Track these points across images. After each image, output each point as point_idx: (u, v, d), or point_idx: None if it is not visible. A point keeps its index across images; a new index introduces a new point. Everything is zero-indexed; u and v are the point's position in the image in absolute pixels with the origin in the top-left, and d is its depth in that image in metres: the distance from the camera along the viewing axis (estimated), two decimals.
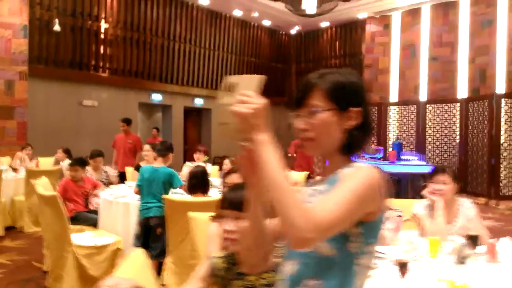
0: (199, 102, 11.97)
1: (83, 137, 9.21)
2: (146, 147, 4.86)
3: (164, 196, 3.13)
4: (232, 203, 1.35)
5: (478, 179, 7.68)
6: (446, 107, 8.90)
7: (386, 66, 11.99)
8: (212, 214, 2.12)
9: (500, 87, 9.68)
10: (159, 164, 3.55)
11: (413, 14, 11.40)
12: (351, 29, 12.84)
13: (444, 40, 10.82)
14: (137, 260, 1.48)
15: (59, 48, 9.08)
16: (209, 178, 3.37)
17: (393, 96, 11.73)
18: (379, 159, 7.00)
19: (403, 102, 10.00)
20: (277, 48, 14.08)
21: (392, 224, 2.10)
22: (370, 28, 12.19)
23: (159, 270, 3.44)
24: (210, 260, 1.40)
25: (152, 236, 3.47)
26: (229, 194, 1.43)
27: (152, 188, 3.43)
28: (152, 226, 3.46)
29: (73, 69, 9.35)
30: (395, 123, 9.58)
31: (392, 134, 9.52)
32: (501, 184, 7.38)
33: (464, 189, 8.05)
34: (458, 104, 8.60)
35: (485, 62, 10.04)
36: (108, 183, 4.75)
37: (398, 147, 7.74)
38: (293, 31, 13.79)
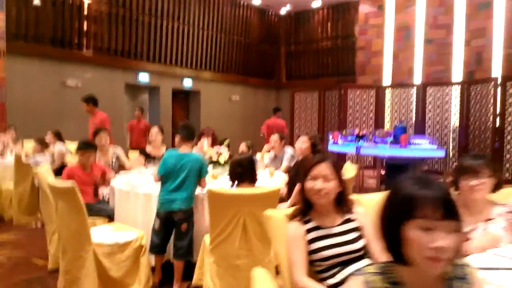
0: (187, 83, 11.43)
1: (66, 120, 8.57)
2: (154, 129, 4.43)
3: (210, 188, 2.71)
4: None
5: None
6: (447, 90, 8.77)
7: (380, 48, 11.76)
8: (289, 211, 1.80)
9: (496, 71, 9.66)
10: (186, 149, 3.15)
11: None
12: (343, 10, 12.51)
13: (440, 22, 10.65)
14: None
15: (39, 24, 8.34)
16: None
17: (386, 79, 11.56)
18: (390, 142, 6.79)
19: (400, 84, 9.81)
20: (267, 29, 13.62)
21: (504, 222, 1.81)
22: (363, 9, 11.89)
23: (186, 270, 3.09)
24: (363, 276, 1.06)
25: (177, 232, 3.08)
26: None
27: (178, 177, 3.03)
28: (176, 221, 3.06)
29: (55, 47, 8.63)
30: (392, 106, 9.40)
31: (390, 117, 9.35)
32: (505, 168, 7.34)
33: None
34: (459, 87, 8.47)
35: (481, 45, 9.96)
36: (118, 169, 4.29)
37: (401, 130, 7.55)
38: (283, 12, 13.32)
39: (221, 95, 12.34)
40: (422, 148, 6.37)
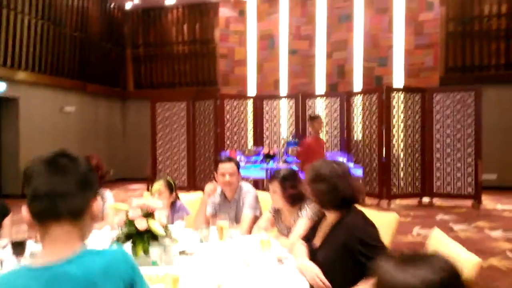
0: None
1: None
2: None
3: None
4: None
5: (367, 179, 7.24)
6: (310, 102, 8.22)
7: (243, 57, 10.85)
8: None
9: (358, 84, 9.81)
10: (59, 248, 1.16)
11: (270, 1, 10.58)
12: (201, 12, 11.16)
13: (303, 32, 10.37)
14: None
15: None
16: None
17: (251, 90, 10.70)
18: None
19: (271, 96, 8.95)
20: (109, 25, 11.17)
21: None
22: (223, 12, 10.81)
23: None
24: None
25: None
26: None
27: None
28: None
29: None
30: (277, 118, 8.40)
31: (269, 131, 8.34)
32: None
33: None
34: (339, 99, 8.04)
35: (343, 57, 10.01)
36: None
37: (292, 145, 6.58)
38: (129, 6, 11.15)
39: (50, 104, 9.35)
40: None
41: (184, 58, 11.29)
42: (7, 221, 2.40)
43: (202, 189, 2.84)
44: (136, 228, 1.85)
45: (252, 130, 8.29)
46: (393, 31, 9.66)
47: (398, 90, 7.45)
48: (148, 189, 7.87)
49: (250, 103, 8.37)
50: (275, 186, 2.36)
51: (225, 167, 2.79)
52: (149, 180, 8.56)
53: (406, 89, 7.58)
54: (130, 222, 1.89)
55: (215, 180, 2.85)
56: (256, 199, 2.78)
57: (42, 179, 1.01)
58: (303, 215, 2.26)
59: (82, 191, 1.05)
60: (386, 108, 7.08)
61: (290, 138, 6.91)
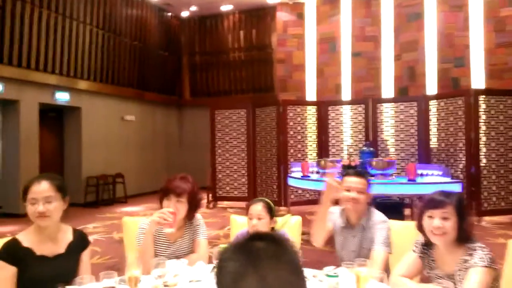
0: (61, 97, 8.19)
1: None
2: None
3: None
4: None
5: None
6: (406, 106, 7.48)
7: (301, 61, 10.35)
8: None
9: (432, 87, 8.97)
10: None
11: (330, 3, 10.03)
12: (258, 17, 10.83)
13: (367, 34, 9.70)
14: None
15: None
16: None
17: (310, 96, 10.15)
18: (392, 175, 4.97)
19: (356, 101, 8.32)
20: (166, 34, 11.12)
21: None
22: (281, 16, 10.38)
23: None
24: None
25: None
26: None
27: None
28: None
29: None
30: (344, 125, 7.78)
31: (334, 139, 7.75)
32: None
33: None
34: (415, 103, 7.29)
35: (413, 59, 9.23)
36: None
37: (370, 155, 5.93)
38: (186, 14, 11.04)
39: (111, 113, 9.34)
40: (435, 181, 4.70)
41: (241, 65, 10.98)
42: (86, 255, 1.99)
43: None
44: None
45: (316, 138, 7.75)
46: (470, 29, 8.76)
47: (488, 92, 6.60)
48: (208, 202, 7.49)
49: (313, 109, 7.83)
50: (446, 212, 1.72)
51: (353, 182, 2.21)
52: (208, 190, 8.24)
53: (497, 92, 6.71)
54: None
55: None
56: (390, 232, 2.18)
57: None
58: (478, 263, 1.64)
59: None
60: (475, 113, 6.27)
61: (364, 147, 6.27)
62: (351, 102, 8.02)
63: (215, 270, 0.77)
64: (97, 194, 8.62)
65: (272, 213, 2.25)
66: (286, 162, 7.40)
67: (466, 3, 8.77)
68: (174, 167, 11.00)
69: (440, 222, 1.70)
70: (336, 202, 2.30)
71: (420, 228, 1.80)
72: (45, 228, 1.82)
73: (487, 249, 1.65)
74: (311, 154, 7.73)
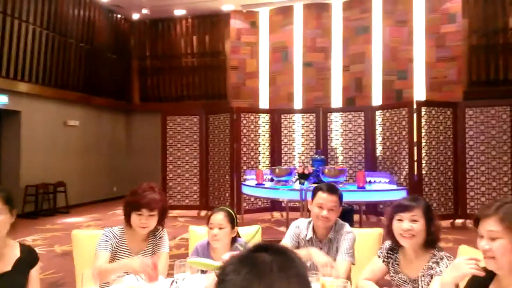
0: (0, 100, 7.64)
1: None
2: None
3: None
4: None
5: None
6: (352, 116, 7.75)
7: (255, 69, 10.44)
8: None
9: (377, 98, 9.38)
10: None
11: (284, 12, 10.22)
12: (212, 23, 10.78)
13: (318, 45, 9.98)
14: None
15: None
16: None
17: (263, 104, 10.26)
18: (342, 183, 5.09)
19: (307, 110, 8.48)
20: (115, 36, 10.75)
21: None
22: (235, 24, 10.42)
23: None
24: None
25: None
26: None
27: None
28: None
29: None
30: (296, 133, 7.88)
31: (287, 147, 7.85)
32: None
33: None
34: (362, 113, 7.58)
35: (360, 70, 9.61)
36: None
37: (321, 163, 6.08)
38: (136, 16, 10.75)
39: (53, 118, 8.84)
40: (383, 188, 4.89)
41: (193, 70, 10.85)
42: (34, 272, 1.84)
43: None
44: None
45: (269, 145, 7.81)
46: (413, 43, 9.29)
47: (429, 104, 7.00)
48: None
49: (267, 117, 7.91)
50: (415, 215, 1.78)
51: (326, 199, 2.18)
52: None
53: (437, 104, 7.13)
54: None
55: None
56: (354, 243, 2.22)
57: None
58: (440, 270, 1.71)
59: None
60: (418, 123, 6.63)
61: (316, 155, 6.41)
62: (302, 111, 8.17)
63: (216, 284, 0.71)
64: (36, 204, 8.08)
65: (234, 223, 2.22)
66: (239, 169, 7.39)
67: (410, 19, 9.30)
68: (120, 174, 10.63)
69: (409, 225, 1.77)
70: None
71: (389, 233, 1.85)
72: None
73: (453, 259, 1.72)
74: (264, 162, 7.77)
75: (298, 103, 9.95)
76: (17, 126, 8.07)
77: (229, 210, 2.25)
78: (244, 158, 7.57)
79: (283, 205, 7.13)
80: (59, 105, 8.93)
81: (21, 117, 8.09)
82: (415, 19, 9.29)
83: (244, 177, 6.82)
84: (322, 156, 6.30)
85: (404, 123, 6.80)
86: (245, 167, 7.45)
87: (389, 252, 1.93)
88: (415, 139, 6.63)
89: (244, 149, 7.58)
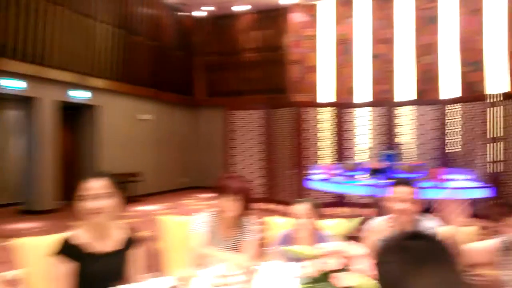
0: (82, 94, 8.18)
1: None
2: None
3: None
4: None
5: None
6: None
7: (314, 63, 10.27)
8: None
9: (448, 90, 8.86)
10: None
11: (345, 5, 9.94)
12: (271, 18, 10.77)
13: (383, 36, 9.61)
14: None
15: None
16: None
17: (321, 97, 10.06)
18: (421, 179, 4.83)
19: (375, 103, 8.21)
20: (180, 33, 11.09)
21: None
22: (295, 17, 10.32)
23: None
24: None
25: None
26: None
27: None
28: None
29: None
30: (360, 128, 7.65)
31: (348, 142, 7.64)
32: None
33: None
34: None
35: (430, 62, 9.13)
36: None
37: (392, 159, 5.86)
38: (199, 13, 11.02)
39: (128, 112, 9.35)
40: (464, 186, 4.58)
41: (254, 65, 10.94)
42: (137, 253, 1.97)
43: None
44: None
45: (335, 140, 7.67)
46: (489, 33, 8.65)
47: (509, 97, 6.51)
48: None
49: (330, 111, 7.75)
50: None
51: (403, 191, 2.14)
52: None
53: None
54: (322, 278, 1.35)
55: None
56: None
57: None
58: None
59: None
60: (498, 117, 6.20)
61: (387, 150, 6.19)
62: (370, 104, 7.91)
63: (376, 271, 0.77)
64: None
65: (317, 213, 2.23)
66: (304, 164, 7.32)
67: (483, 7, 8.64)
68: (191, 167, 11.12)
69: None
70: None
71: None
72: (98, 224, 1.78)
73: None
74: (326, 157, 7.65)
75: (361, 96, 9.64)
76: (98, 120, 8.59)
77: (313, 201, 2.30)
78: (308, 153, 7.51)
79: (349, 201, 6.98)
80: (133, 100, 9.42)
81: (102, 112, 8.61)
82: (488, 7, 8.63)
83: (311, 171, 6.75)
84: (395, 151, 6.08)
85: (481, 117, 6.39)
86: (309, 162, 7.38)
87: None
88: (494, 134, 6.21)
89: (308, 143, 7.51)
